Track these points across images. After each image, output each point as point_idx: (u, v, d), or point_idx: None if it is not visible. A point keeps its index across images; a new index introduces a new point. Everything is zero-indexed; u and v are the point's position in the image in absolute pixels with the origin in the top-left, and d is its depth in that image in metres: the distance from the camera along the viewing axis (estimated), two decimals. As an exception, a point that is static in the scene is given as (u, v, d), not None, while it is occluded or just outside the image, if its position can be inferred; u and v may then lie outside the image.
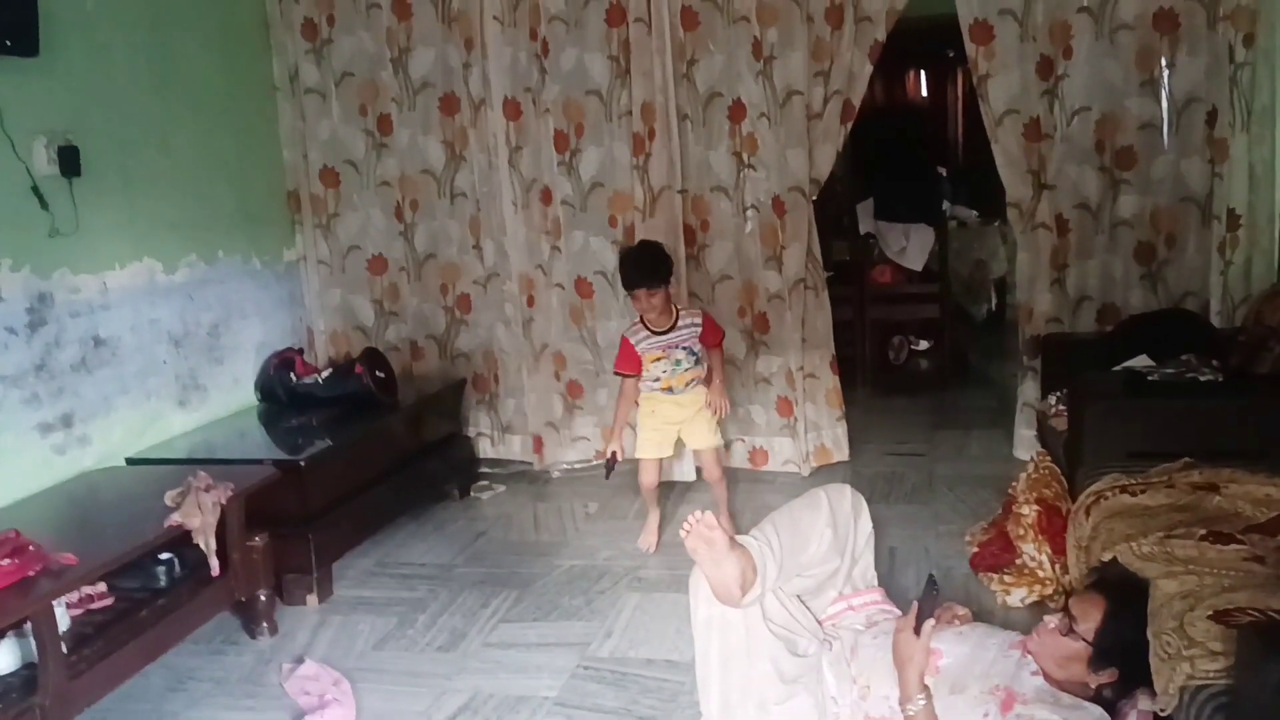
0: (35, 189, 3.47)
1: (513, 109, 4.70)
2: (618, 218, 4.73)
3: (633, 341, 3.86)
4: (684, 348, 3.84)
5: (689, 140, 4.66)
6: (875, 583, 2.87)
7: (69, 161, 3.56)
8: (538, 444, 4.99)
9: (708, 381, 3.93)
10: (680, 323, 3.85)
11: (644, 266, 3.75)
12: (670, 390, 3.89)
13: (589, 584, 3.73)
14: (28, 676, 2.70)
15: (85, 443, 3.69)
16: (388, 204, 4.99)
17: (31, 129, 3.46)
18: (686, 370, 3.86)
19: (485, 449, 5.13)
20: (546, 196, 4.78)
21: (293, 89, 4.91)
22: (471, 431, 5.11)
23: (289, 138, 4.95)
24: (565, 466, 5.02)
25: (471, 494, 4.79)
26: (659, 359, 3.84)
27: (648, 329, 3.84)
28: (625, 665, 3.13)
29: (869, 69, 4.44)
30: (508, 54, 4.66)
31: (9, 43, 3.28)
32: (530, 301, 4.89)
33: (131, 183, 3.93)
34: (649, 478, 4.04)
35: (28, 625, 2.67)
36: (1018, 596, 3.33)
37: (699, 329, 3.86)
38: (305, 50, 4.86)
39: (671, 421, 3.96)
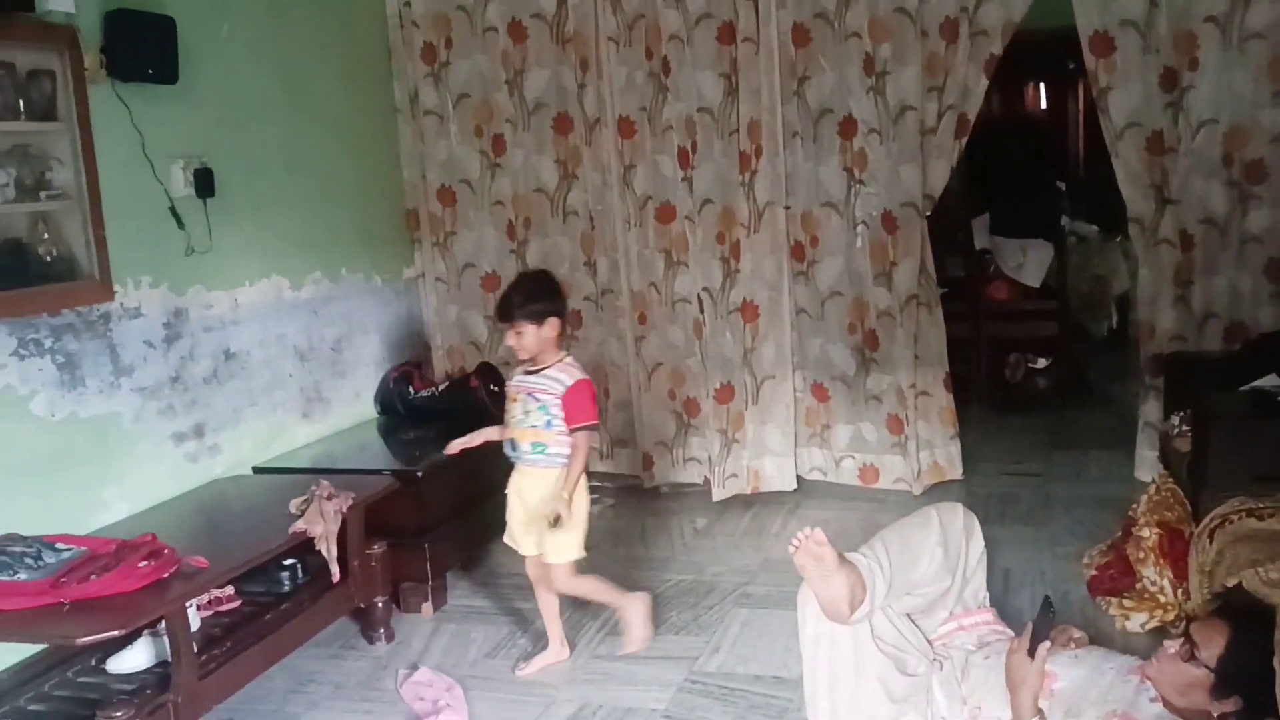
0: (173, 209, 3.65)
1: (627, 128, 4.76)
2: (725, 234, 4.74)
3: (511, 372, 3.34)
4: (539, 400, 3.15)
5: (798, 156, 4.66)
6: (987, 603, 2.82)
7: (204, 183, 3.74)
8: (647, 461, 5.03)
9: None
10: (551, 372, 3.16)
11: (508, 299, 3.16)
12: (514, 447, 3.22)
13: (696, 599, 3.75)
14: (161, 674, 2.84)
15: (216, 452, 3.86)
16: (501, 222, 5.10)
17: (170, 152, 3.65)
18: (531, 427, 3.15)
19: (594, 463, 5.18)
20: (665, 214, 4.82)
21: (412, 111, 5.06)
22: (583, 445, 5.17)
23: (408, 158, 5.11)
24: (677, 484, 5.03)
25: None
26: (515, 400, 3.22)
27: (524, 363, 3.23)
28: (733, 681, 3.13)
29: (984, 83, 4.38)
30: (622, 73, 4.73)
31: (150, 71, 3.47)
32: (642, 319, 4.93)
33: (261, 203, 4.11)
34: (529, 570, 3.41)
35: (162, 625, 2.82)
36: (1137, 621, 3.23)
37: (561, 391, 3.13)
38: (425, 74, 5.01)
39: (524, 500, 3.27)
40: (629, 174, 4.82)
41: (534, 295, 3.14)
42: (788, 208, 4.69)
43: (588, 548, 3.32)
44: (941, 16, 4.34)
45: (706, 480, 4.89)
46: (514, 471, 3.28)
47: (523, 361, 3.19)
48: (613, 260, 4.93)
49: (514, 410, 3.20)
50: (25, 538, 2.80)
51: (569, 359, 3.21)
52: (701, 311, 4.79)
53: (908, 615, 2.64)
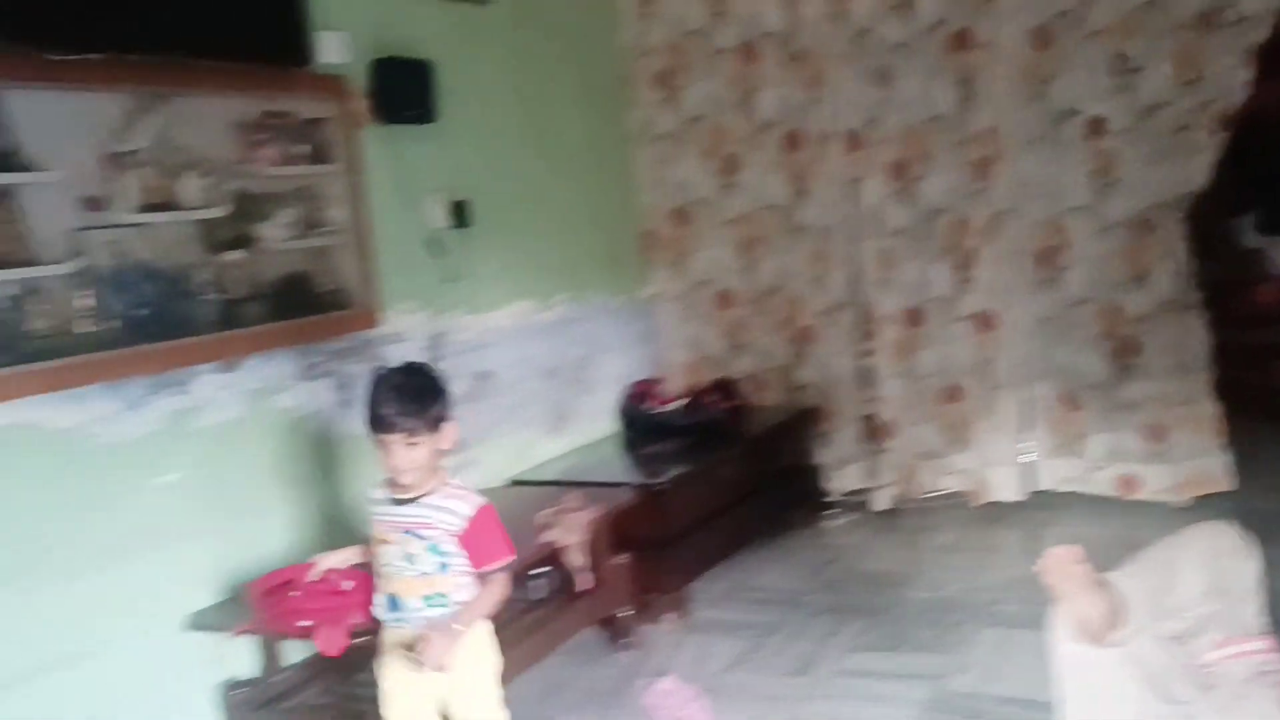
0: (432, 240, 3.92)
1: (855, 141, 4.74)
2: (959, 243, 4.63)
3: (370, 503, 2.51)
4: (425, 538, 2.36)
5: (1037, 161, 4.50)
6: (1265, 630, 2.63)
7: (460, 214, 3.99)
8: (875, 474, 4.97)
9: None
10: (435, 500, 2.38)
11: (394, 400, 2.35)
12: (397, 605, 2.41)
13: (942, 616, 3.67)
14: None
15: (474, 465, 4.09)
16: (734, 240, 5.17)
17: (429, 187, 3.91)
18: (423, 575, 2.37)
19: (832, 479, 5.16)
20: (892, 225, 4.77)
21: (647, 136, 5.22)
22: (817, 461, 5.16)
23: (644, 182, 5.26)
24: (916, 498, 4.94)
25: (819, 523, 4.83)
26: (388, 541, 2.41)
27: (390, 489, 2.44)
28: (980, 701, 3.05)
29: (1247, 74, 4.09)
30: (851, 88, 4.72)
31: (411, 113, 3.74)
32: (868, 335, 4.90)
33: (511, 231, 4.34)
34: None
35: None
36: None
37: (461, 526, 2.36)
38: (659, 99, 5.15)
39: (415, 677, 2.39)
40: (857, 187, 4.79)
41: (430, 395, 2.38)
42: (1025, 214, 4.54)
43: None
44: (1197, 7, 4.10)
45: (946, 493, 4.79)
46: (389, 642, 2.46)
47: (387, 486, 2.43)
48: (845, 274, 4.91)
49: (390, 555, 2.39)
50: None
51: (454, 480, 2.45)
52: (912, 325, 4.72)
53: (1172, 639, 2.50)
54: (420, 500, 2.37)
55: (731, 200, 5.13)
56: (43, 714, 2.64)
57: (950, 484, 4.84)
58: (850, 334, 4.94)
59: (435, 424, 2.35)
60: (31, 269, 2.67)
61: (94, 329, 2.82)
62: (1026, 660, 3.20)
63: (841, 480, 5.13)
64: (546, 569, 3.55)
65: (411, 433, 2.30)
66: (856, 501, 5.00)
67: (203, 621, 2.94)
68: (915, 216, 4.71)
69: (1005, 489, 4.72)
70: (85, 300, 2.80)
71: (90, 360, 2.78)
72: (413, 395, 2.35)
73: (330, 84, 3.50)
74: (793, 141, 4.94)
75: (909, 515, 4.82)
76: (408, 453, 2.31)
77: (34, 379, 2.65)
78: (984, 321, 4.68)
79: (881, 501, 4.93)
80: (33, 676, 2.62)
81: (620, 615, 3.67)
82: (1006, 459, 4.74)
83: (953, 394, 4.78)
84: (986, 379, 4.70)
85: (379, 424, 2.33)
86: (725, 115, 5.05)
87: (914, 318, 4.84)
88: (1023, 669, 3.18)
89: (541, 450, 4.49)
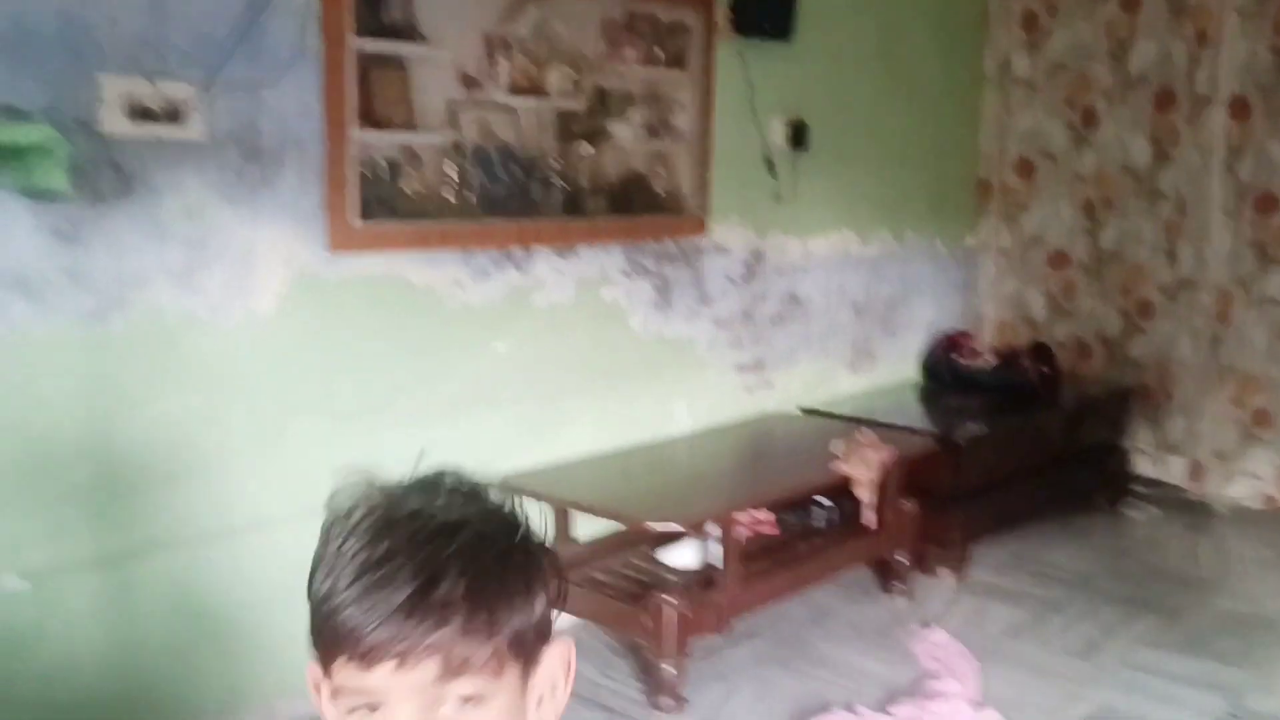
0: (768, 158, 3.92)
1: (1240, 108, 4.31)
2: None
3: None
4: None
5: None
6: None
7: (798, 136, 3.97)
8: (1198, 470, 4.60)
9: None
10: None
11: (425, 576, 0.80)
12: None
13: (1249, 631, 3.38)
14: (704, 575, 3.13)
15: (769, 387, 4.13)
16: (1079, 199, 4.86)
17: (772, 105, 3.91)
18: None
19: (1143, 466, 4.82)
20: (1266, 204, 4.32)
21: (1001, 80, 4.96)
22: (1130, 445, 4.83)
23: (990, 127, 5.03)
24: (1230, 501, 4.54)
25: (1120, 510, 4.54)
26: None
27: None
28: (1285, 726, 2.81)
29: None
30: (1244, 48, 4.28)
31: (769, 28, 3.73)
32: (1222, 317, 4.48)
33: (844, 159, 4.28)
34: None
35: (710, 535, 3.10)
36: None
37: None
38: (1020, 41, 4.88)
39: None
40: (1234, 159, 4.36)
41: (517, 573, 0.85)
42: None
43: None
44: None
45: (1267, 499, 4.38)
46: None
47: None
48: (1198, 250, 4.51)
49: None
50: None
51: None
52: None
53: None
54: None
55: (1083, 156, 4.82)
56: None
57: (1262, 489, 4.39)
58: (1198, 314, 4.54)
59: (517, 646, 0.85)
60: (413, 134, 2.90)
61: (455, 200, 3.03)
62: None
63: (1156, 469, 4.79)
64: (830, 501, 3.55)
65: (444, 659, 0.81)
66: (1168, 496, 4.65)
67: (509, 486, 3.15)
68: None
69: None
70: (452, 171, 3.02)
71: (450, 227, 3.00)
72: (451, 566, 0.82)
73: (696, -10, 3.54)
74: (1164, 101, 4.55)
75: (1226, 521, 4.44)
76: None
77: (405, 234, 2.89)
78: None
79: (1192, 496, 4.57)
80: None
81: (897, 560, 3.62)
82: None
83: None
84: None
85: (357, 625, 0.80)
86: (1092, 64, 4.73)
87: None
88: (1340, 704, 2.90)
89: (839, 384, 4.46)
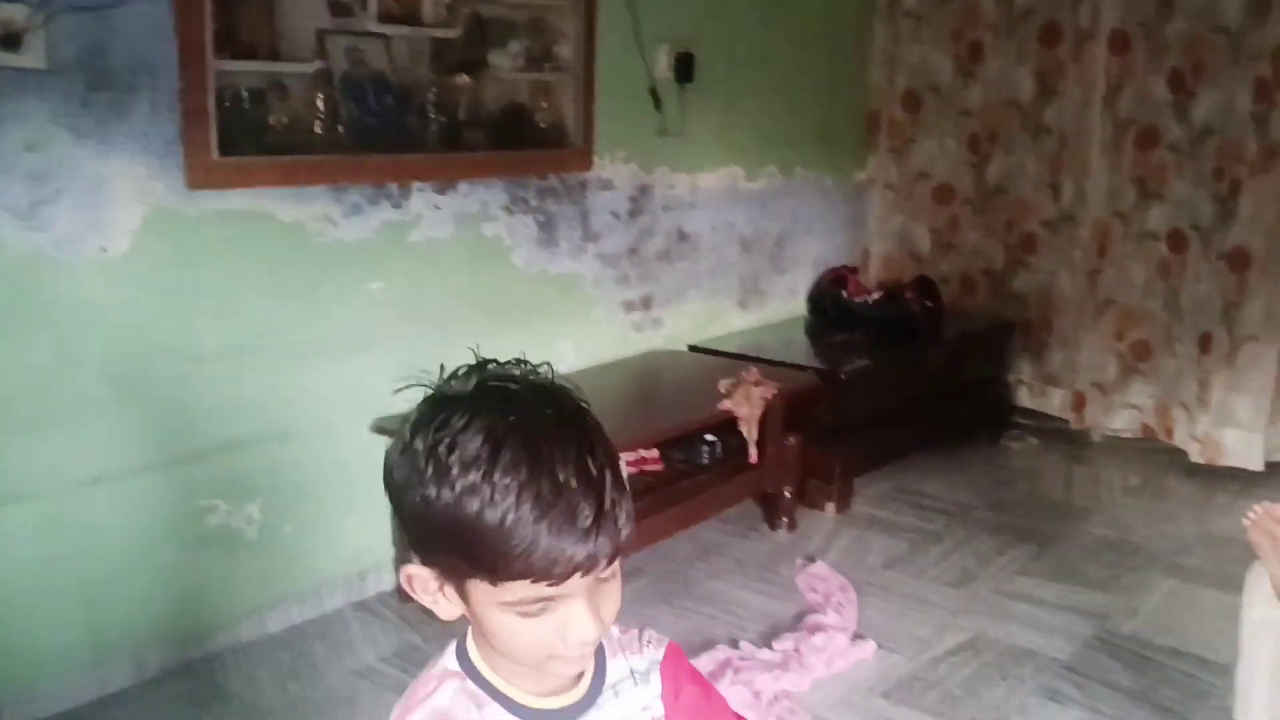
0: (653, 91, 3.84)
1: (1122, 43, 4.36)
2: (1225, 170, 4.22)
3: None
4: None
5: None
6: None
7: (684, 68, 3.89)
8: (1079, 402, 4.72)
9: None
10: (614, 677, 1.06)
11: (588, 485, 0.88)
12: None
13: (1119, 558, 3.51)
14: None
15: (658, 325, 4.10)
16: (964, 133, 4.89)
17: (657, 36, 3.82)
18: None
19: (1023, 398, 4.94)
20: (1146, 139, 4.39)
21: (890, 12, 4.94)
22: (1011, 378, 4.95)
23: (878, 60, 5.01)
24: (1109, 432, 4.69)
25: (1001, 441, 4.66)
26: None
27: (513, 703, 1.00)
28: (1148, 650, 2.91)
29: None
30: (1126, -17, 4.33)
31: (652, -43, 3.64)
32: (1102, 251, 4.57)
33: (732, 93, 4.22)
34: None
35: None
36: None
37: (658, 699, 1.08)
38: (909, -28, 4.86)
39: None
40: (1113, 95, 4.43)
41: (616, 466, 0.93)
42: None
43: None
44: None
45: (1145, 429, 4.52)
46: None
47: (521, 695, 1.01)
48: (1079, 185, 4.59)
49: None
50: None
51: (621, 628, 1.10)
52: (1173, 251, 4.35)
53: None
54: (592, 701, 1.03)
55: (970, 91, 4.84)
56: (243, 479, 2.84)
57: (1183, 443, 4.43)
58: (1079, 250, 4.62)
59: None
60: (278, 64, 2.76)
61: (324, 133, 2.90)
62: (1204, 618, 3.06)
63: (1037, 402, 4.91)
64: (715, 438, 3.56)
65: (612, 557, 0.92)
66: (1049, 428, 4.78)
67: (385, 426, 3.05)
68: (1180, 135, 4.30)
69: (1240, 455, 4.24)
70: (321, 103, 2.88)
71: (320, 161, 2.88)
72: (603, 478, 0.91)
73: (575, -85, 3.43)
74: (1050, 35, 4.58)
75: (1103, 451, 4.57)
76: (601, 601, 0.95)
77: (272, 170, 2.76)
78: (1240, 261, 4.23)
79: (1073, 427, 4.70)
80: (244, 445, 2.83)
81: (781, 495, 3.66)
82: (1248, 422, 4.24)
83: (1203, 342, 4.32)
84: (1237, 326, 4.26)
85: (554, 560, 0.88)
86: (980, -2, 4.73)
87: (1173, 243, 4.41)
88: (1198, 625, 3.02)
89: (726, 321, 4.45)
